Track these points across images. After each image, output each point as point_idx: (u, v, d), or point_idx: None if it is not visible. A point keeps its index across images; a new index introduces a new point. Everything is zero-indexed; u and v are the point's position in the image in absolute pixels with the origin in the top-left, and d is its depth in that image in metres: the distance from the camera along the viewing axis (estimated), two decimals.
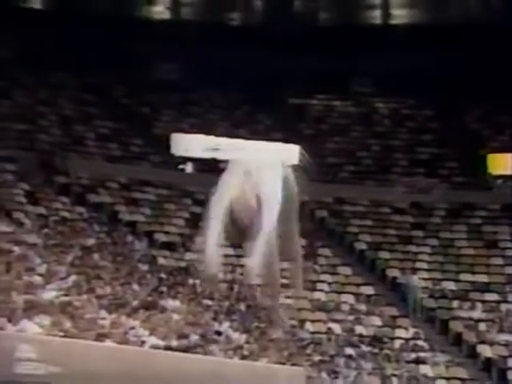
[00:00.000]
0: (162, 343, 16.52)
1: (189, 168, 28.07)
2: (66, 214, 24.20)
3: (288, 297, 25.38)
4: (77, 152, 27.69)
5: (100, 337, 14.91)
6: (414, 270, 27.25)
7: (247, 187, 6.31)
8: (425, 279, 26.85)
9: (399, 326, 25.38)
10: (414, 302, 25.74)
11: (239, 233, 6.21)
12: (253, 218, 6.37)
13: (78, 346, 5.27)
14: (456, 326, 25.52)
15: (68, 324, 15.79)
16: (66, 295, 17.75)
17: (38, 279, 17.98)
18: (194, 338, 19.02)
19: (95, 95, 30.68)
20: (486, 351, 24.59)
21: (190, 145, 25.03)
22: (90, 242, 22.77)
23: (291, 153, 30.17)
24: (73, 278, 19.23)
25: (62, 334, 14.35)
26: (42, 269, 18.75)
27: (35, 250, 19.87)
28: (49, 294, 17.29)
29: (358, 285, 26.83)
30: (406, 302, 25.78)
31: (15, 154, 25.81)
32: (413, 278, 26.25)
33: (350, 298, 26.16)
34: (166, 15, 33.62)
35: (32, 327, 14.44)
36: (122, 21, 31.64)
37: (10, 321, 14.21)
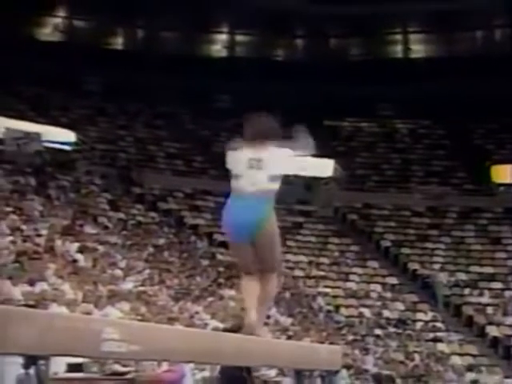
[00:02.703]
0: (221, 325, 16.52)
1: None
2: (141, 218, 24.32)
3: (325, 286, 25.38)
4: (150, 168, 27.85)
5: (170, 320, 14.92)
6: (431, 264, 27.14)
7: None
8: (440, 271, 26.70)
9: (419, 310, 25.21)
10: (442, 297, 25.53)
11: None
12: None
13: (152, 328, 5.25)
14: (467, 310, 25.30)
15: (143, 309, 15.84)
16: (141, 286, 17.80)
17: (118, 272, 18.05)
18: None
19: (165, 121, 30.86)
20: (493, 331, 24.36)
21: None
22: (161, 241, 22.86)
23: (327, 166, 30.22)
24: (147, 271, 19.31)
25: (138, 318, 14.40)
26: (122, 264, 18.83)
27: (116, 249, 19.98)
28: (128, 285, 17.36)
29: (384, 276, 26.69)
30: (436, 298, 25.56)
31: (100, 169, 26.02)
32: (439, 276, 26.09)
33: (378, 287, 26.03)
34: (223, 53, 33.72)
35: (114, 312, 14.50)
36: (186, 58, 31.80)
37: (96, 307, 14.28)
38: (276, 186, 5.65)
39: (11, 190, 20.35)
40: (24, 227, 17.39)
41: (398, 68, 32.55)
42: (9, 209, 18.24)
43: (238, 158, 5.66)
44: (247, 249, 5.54)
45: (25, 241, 16.26)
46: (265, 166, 5.53)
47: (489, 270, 27.00)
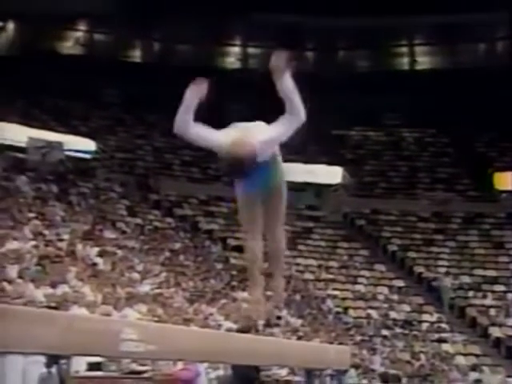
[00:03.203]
0: (234, 326, 16.52)
1: None
2: (157, 223, 24.35)
3: (334, 289, 25.34)
4: (166, 175, 27.91)
5: (185, 321, 14.94)
6: (436, 267, 27.07)
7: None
8: (445, 274, 26.62)
9: (425, 312, 25.13)
10: (447, 300, 25.45)
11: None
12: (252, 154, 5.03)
13: (169, 329, 5.27)
14: (471, 312, 25.21)
15: (160, 311, 15.85)
16: (158, 288, 17.82)
17: (136, 276, 18.08)
18: (260, 322, 18.98)
19: None
20: (496, 332, 24.26)
21: None
22: (177, 246, 22.88)
23: (335, 174, 30.20)
24: (163, 274, 19.32)
25: (155, 319, 14.42)
26: (140, 267, 18.86)
27: (134, 253, 20.01)
28: (145, 287, 17.38)
29: (391, 279, 26.61)
30: (441, 301, 25.49)
31: (118, 177, 26.09)
32: (445, 280, 26.03)
33: (385, 290, 25.96)
34: (237, 65, 33.78)
35: (132, 314, 14.53)
36: (201, 70, 31.82)
37: (115, 308, 14.31)
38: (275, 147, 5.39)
39: (34, 197, 20.44)
40: (46, 232, 17.46)
41: (404, 79, 32.50)
42: (32, 214, 18.32)
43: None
44: (257, 202, 5.42)
45: (47, 245, 16.32)
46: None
47: (492, 273, 26.90)
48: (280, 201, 5.47)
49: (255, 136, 5.15)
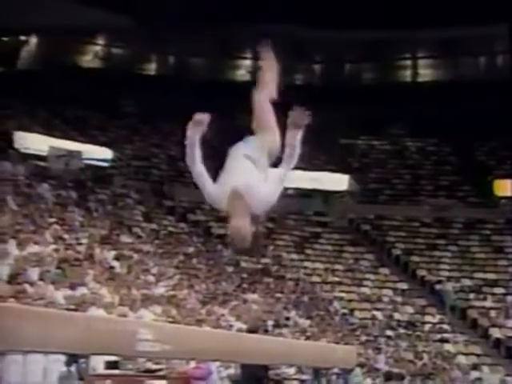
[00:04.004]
0: (244, 327, 16.52)
1: None
2: (172, 228, 24.37)
3: (341, 291, 25.29)
4: (180, 182, 27.86)
5: (198, 322, 14.95)
6: (438, 271, 26.98)
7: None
8: (447, 277, 26.54)
9: (427, 313, 25.03)
10: (449, 304, 25.36)
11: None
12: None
13: (182, 330, 5.27)
14: (472, 313, 25.09)
15: (174, 312, 15.86)
16: (172, 290, 17.83)
17: (151, 278, 18.11)
18: (269, 323, 18.98)
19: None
20: (496, 333, 24.13)
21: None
22: (190, 250, 22.89)
23: (342, 181, 30.16)
24: (177, 277, 19.34)
25: (169, 320, 14.42)
26: (155, 270, 18.88)
27: (149, 256, 20.03)
28: (160, 290, 17.40)
29: (395, 282, 26.53)
30: (444, 304, 25.39)
31: (135, 184, 26.12)
32: (448, 285, 25.94)
33: (389, 292, 25.88)
34: (247, 77, 33.80)
35: (147, 314, 14.54)
36: (213, 82, 31.87)
37: (131, 309, 14.33)
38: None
39: (54, 203, 20.50)
40: (66, 236, 17.50)
41: (407, 91, 32.48)
42: (52, 220, 18.37)
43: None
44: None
45: (66, 249, 16.36)
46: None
47: (492, 276, 26.78)
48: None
49: (250, 197, 5.04)
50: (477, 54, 33.50)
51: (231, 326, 16.66)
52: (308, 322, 21.05)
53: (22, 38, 31.03)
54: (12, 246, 14.40)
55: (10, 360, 9.05)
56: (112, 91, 29.41)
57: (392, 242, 28.40)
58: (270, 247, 25.98)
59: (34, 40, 31.37)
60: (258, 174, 5.19)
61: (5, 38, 30.86)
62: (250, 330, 13.79)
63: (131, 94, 30.41)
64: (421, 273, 26.95)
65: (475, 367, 22.20)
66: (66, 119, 27.48)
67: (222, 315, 17.57)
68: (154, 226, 23.58)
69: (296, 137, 5.11)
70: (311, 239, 27.84)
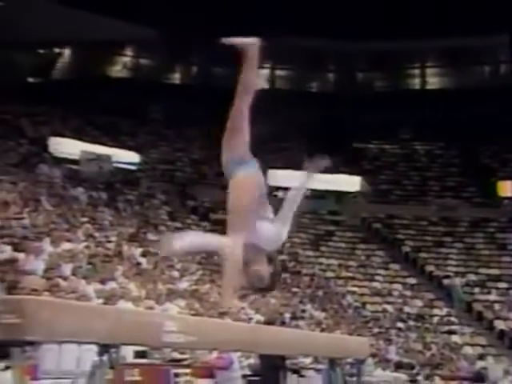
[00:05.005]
0: (263, 319, 16.51)
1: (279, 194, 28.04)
2: (194, 227, 24.35)
3: (353, 285, 25.24)
4: (202, 184, 27.95)
5: (220, 315, 14.96)
6: (445, 266, 26.89)
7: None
8: (454, 273, 26.43)
9: (436, 307, 24.94)
10: (458, 298, 25.24)
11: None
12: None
13: (205, 322, 5.30)
14: (477, 307, 24.97)
15: (197, 305, 15.89)
16: (195, 285, 17.87)
17: (176, 273, 18.14)
18: (287, 315, 18.96)
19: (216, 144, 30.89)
20: (500, 325, 24.01)
21: (281, 179, 24.77)
22: None
23: (355, 182, 30.10)
24: (200, 272, 19.37)
25: (193, 312, 14.45)
26: (179, 266, 18.92)
27: None
28: (183, 284, 17.44)
29: (405, 277, 26.46)
30: (451, 298, 25.28)
31: (160, 186, 26.21)
32: (456, 280, 25.82)
33: (399, 287, 25.81)
34: (265, 85, 33.77)
35: (172, 308, 14.57)
36: (234, 90, 31.86)
37: (157, 303, 14.36)
38: None
39: (86, 203, 20.61)
40: (96, 234, 17.58)
41: (416, 98, 32.39)
42: (84, 219, 18.47)
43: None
44: None
45: (97, 246, 16.44)
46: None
47: (496, 271, 26.65)
48: None
49: (261, 240, 4.63)
50: (481, 63, 33.39)
51: (251, 318, 16.65)
52: (323, 314, 21.02)
53: (57, 50, 31.24)
54: (47, 244, 14.48)
55: (46, 349, 9.12)
56: (139, 99, 29.54)
57: (402, 239, 28.32)
58: (286, 244, 25.97)
59: (67, 52, 31.58)
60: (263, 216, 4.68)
61: (41, 51, 31.08)
62: (268, 322, 13.79)
63: (157, 101, 30.54)
64: (429, 268, 26.85)
65: (481, 357, 22.08)
66: (96, 125, 27.62)
67: (242, 308, 17.56)
68: (178, 224, 23.63)
69: (299, 194, 4.87)
70: (326, 237, 27.82)
